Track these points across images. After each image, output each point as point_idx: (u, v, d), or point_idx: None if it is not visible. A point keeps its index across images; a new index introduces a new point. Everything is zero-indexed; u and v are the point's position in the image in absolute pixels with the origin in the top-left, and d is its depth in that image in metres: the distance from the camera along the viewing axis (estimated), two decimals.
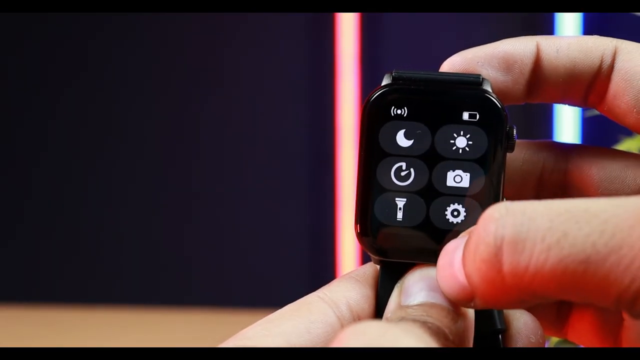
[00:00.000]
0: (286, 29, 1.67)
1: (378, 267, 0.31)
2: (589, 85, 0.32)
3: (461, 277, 0.26)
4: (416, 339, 0.24)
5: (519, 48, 0.32)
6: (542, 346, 0.31)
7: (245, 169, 1.70)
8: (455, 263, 0.27)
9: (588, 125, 1.54)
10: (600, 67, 0.32)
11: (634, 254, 0.23)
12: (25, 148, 1.77)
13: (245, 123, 1.70)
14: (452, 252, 0.27)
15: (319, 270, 1.68)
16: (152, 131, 1.72)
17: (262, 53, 1.68)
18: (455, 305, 0.28)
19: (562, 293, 0.24)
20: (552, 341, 0.52)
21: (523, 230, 0.24)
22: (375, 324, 0.24)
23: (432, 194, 0.30)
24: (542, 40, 0.32)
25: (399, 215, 0.30)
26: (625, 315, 0.25)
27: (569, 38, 0.32)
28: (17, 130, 1.76)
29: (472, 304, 0.26)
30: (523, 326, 0.30)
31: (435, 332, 0.26)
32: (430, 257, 0.30)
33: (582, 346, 0.34)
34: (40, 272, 1.76)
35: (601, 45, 0.32)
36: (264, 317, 0.29)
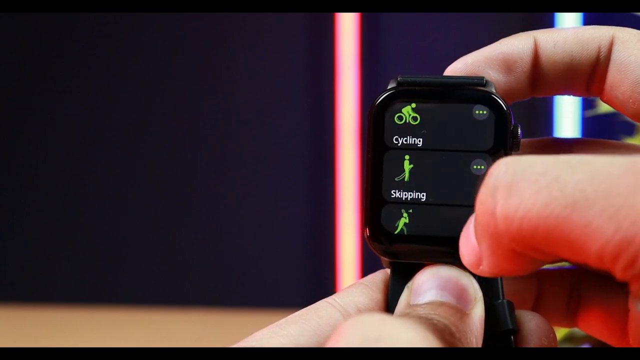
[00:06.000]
0: (286, 29, 1.67)
1: (388, 272, 0.31)
2: (589, 77, 0.32)
3: (472, 237, 0.27)
4: (415, 332, 0.24)
5: (518, 48, 0.32)
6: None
7: (245, 169, 1.70)
8: (471, 224, 0.27)
9: (588, 125, 1.54)
10: (597, 58, 0.32)
11: (620, 202, 0.23)
12: (25, 148, 1.77)
13: (245, 123, 1.70)
14: (472, 218, 0.27)
15: (319, 270, 1.68)
16: (152, 131, 1.72)
17: (262, 53, 1.68)
18: (464, 304, 0.28)
19: (551, 243, 0.24)
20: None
21: (519, 174, 0.24)
22: (374, 316, 0.24)
23: (440, 196, 0.30)
24: (540, 35, 0.32)
25: (408, 216, 0.30)
26: (631, 305, 0.25)
27: (566, 31, 0.32)
28: (17, 130, 1.76)
29: (482, 268, 0.27)
30: (535, 328, 0.30)
31: (441, 330, 0.26)
32: (440, 257, 0.30)
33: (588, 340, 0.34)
34: (40, 272, 1.76)
35: (598, 36, 0.32)
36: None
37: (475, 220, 0.26)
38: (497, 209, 0.24)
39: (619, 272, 0.23)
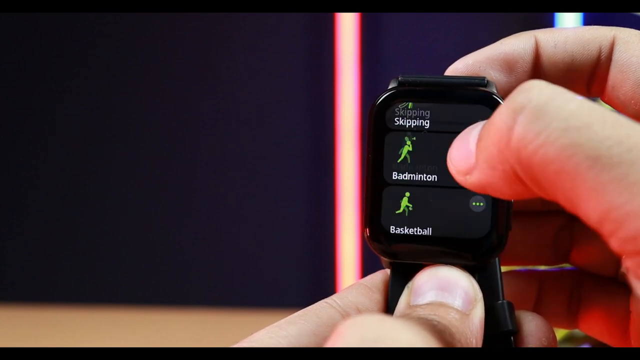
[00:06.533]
0: (286, 29, 1.67)
1: (388, 272, 0.31)
2: (589, 77, 0.32)
3: (471, 143, 0.26)
4: (414, 333, 0.24)
5: (519, 47, 0.32)
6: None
7: (245, 169, 1.70)
8: (475, 131, 0.27)
9: None
10: (598, 58, 0.32)
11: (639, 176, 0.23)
12: (25, 148, 1.76)
13: (245, 123, 1.70)
14: (474, 126, 0.27)
15: (319, 270, 1.67)
16: (152, 131, 1.72)
17: (262, 53, 1.68)
18: (464, 305, 0.28)
19: (556, 183, 0.24)
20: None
21: (552, 104, 0.24)
22: (373, 317, 0.24)
23: (441, 194, 0.30)
24: (541, 35, 0.32)
25: (409, 216, 0.30)
26: (632, 307, 0.25)
27: (567, 31, 0.32)
28: (17, 130, 1.76)
29: (468, 177, 0.26)
30: (535, 328, 0.30)
31: (441, 330, 0.26)
32: (440, 258, 0.30)
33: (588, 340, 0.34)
34: (40, 272, 1.76)
35: (599, 37, 0.32)
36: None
37: (487, 129, 0.26)
38: (517, 127, 0.24)
39: (615, 243, 0.23)
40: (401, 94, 0.31)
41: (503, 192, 0.26)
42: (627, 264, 0.24)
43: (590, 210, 0.23)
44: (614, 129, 0.23)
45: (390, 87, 0.31)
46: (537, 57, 0.32)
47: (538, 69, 0.32)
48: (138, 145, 1.72)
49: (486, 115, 0.30)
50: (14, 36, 1.74)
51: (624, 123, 0.24)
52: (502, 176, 0.25)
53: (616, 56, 0.31)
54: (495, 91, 0.31)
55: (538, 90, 0.24)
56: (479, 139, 0.26)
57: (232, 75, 1.69)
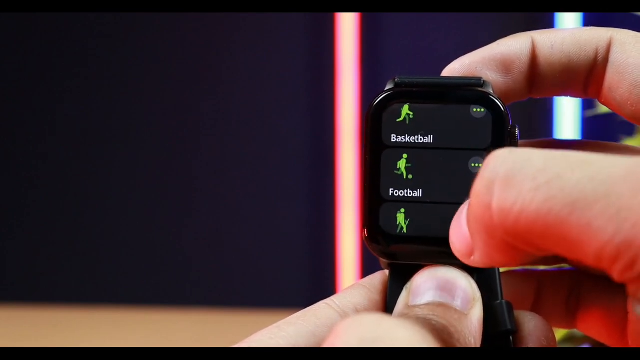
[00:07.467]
0: (286, 29, 1.67)
1: (387, 273, 0.31)
2: (586, 78, 0.32)
3: (464, 227, 0.27)
4: (413, 332, 0.24)
5: (515, 48, 0.32)
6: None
7: (245, 169, 1.70)
8: (463, 214, 0.27)
9: (588, 125, 1.54)
10: (595, 60, 0.32)
11: (621, 204, 0.22)
12: (25, 148, 1.77)
13: (245, 123, 1.70)
14: (463, 207, 0.27)
15: (319, 270, 1.67)
16: (152, 131, 1.72)
17: (262, 53, 1.68)
18: (462, 305, 0.28)
19: (547, 239, 0.24)
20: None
21: (517, 168, 0.24)
22: (372, 316, 0.24)
23: (438, 195, 0.30)
24: (538, 36, 0.32)
25: (407, 217, 0.30)
26: (629, 308, 0.25)
27: (564, 32, 0.32)
28: (17, 130, 1.76)
29: (473, 258, 0.27)
30: (534, 328, 0.30)
31: (440, 330, 0.26)
32: (439, 258, 0.30)
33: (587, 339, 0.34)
34: (40, 272, 1.76)
35: (595, 38, 0.32)
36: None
37: (469, 211, 0.26)
38: (493, 201, 0.24)
39: (616, 274, 0.23)
40: (398, 95, 0.31)
41: (506, 262, 0.26)
42: (630, 290, 0.24)
43: (586, 252, 0.23)
44: (582, 170, 0.23)
45: (387, 88, 0.31)
46: (533, 57, 0.32)
47: (535, 70, 0.32)
48: (138, 145, 1.72)
49: (480, 115, 0.30)
50: (14, 36, 1.74)
51: (592, 160, 0.24)
52: (499, 249, 0.25)
53: (613, 57, 0.31)
54: (492, 91, 0.31)
55: (502, 160, 0.25)
56: (467, 221, 0.26)
57: (232, 75, 1.69)
